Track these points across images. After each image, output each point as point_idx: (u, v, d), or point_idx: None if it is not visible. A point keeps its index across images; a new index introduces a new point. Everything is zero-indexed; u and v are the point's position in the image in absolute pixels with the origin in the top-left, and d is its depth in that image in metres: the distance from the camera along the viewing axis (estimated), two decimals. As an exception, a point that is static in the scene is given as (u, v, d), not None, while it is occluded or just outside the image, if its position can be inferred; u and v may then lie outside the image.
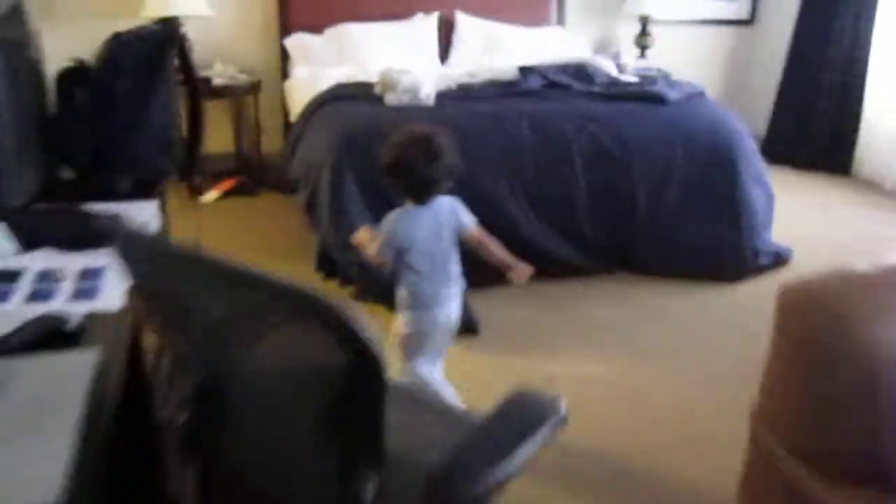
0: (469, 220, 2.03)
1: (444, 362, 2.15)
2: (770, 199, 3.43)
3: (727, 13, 5.48)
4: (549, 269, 3.18)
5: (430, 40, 4.58)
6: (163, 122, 1.88)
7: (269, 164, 4.49)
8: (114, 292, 1.29)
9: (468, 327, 2.76)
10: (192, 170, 2.08)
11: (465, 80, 3.79)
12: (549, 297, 3.11)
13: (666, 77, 4.16)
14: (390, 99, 3.28)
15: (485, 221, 3.06)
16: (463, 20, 4.65)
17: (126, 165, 1.83)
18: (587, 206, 3.18)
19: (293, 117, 3.85)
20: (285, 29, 4.49)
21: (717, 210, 3.26)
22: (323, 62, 4.30)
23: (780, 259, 3.43)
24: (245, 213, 4.07)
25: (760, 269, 3.33)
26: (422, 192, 1.92)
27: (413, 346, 2.02)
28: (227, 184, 4.33)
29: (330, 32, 4.41)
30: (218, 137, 4.71)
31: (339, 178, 2.88)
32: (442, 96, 3.41)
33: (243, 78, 4.37)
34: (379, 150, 2.91)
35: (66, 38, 4.37)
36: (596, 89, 3.58)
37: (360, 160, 2.88)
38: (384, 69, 3.44)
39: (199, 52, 4.36)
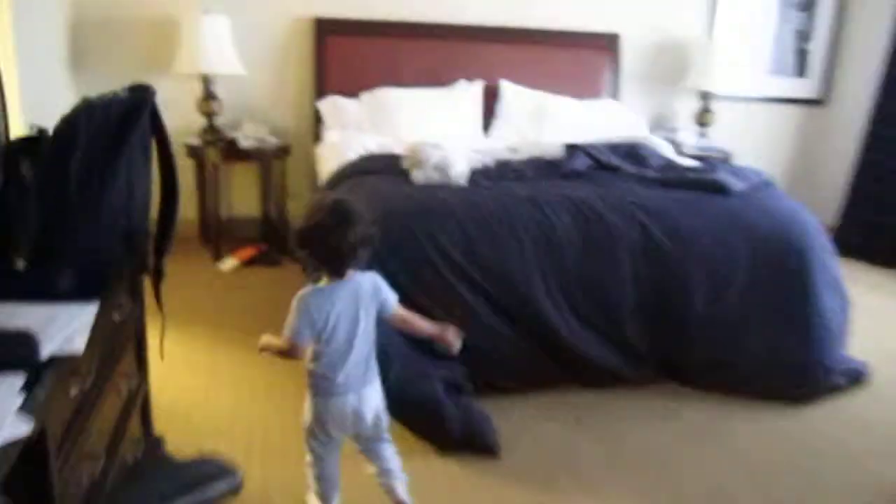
0: (393, 299, 1.88)
1: (406, 477, 1.97)
2: (846, 308, 2.99)
3: (797, 91, 5.08)
4: (584, 376, 2.79)
5: (473, 109, 4.30)
6: (122, 204, 1.59)
7: (294, 232, 4.24)
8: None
9: (486, 446, 2.38)
10: (160, 261, 1.76)
11: (506, 156, 3.48)
12: (583, 408, 2.70)
13: (728, 160, 3.79)
14: (418, 176, 2.97)
15: (514, 317, 2.78)
16: (508, 89, 4.37)
17: (73, 255, 1.54)
18: (633, 307, 2.78)
19: (321, 184, 3.58)
20: (320, 91, 4.26)
21: (784, 319, 2.83)
22: (356, 127, 4.05)
23: (856, 377, 2.96)
24: (264, 284, 3.78)
25: (833, 390, 2.87)
26: (335, 263, 1.75)
27: (314, 435, 1.88)
28: (248, 252, 4.06)
29: (366, 97, 4.17)
30: (243, 201, 4.49)
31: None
32: (477, 174, 3.09)
33: (272, 140, 4.14)
34: (397, 235, 2.66)
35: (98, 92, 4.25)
36: (649, 174, 3.21)
37: (379, 244, 2.56)
38: (413, 143, 3.15)
39: (229, 112, 4.19)
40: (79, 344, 1.30)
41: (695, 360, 2.84)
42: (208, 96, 4.04)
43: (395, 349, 2.43)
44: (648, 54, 4.81)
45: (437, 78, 4.32)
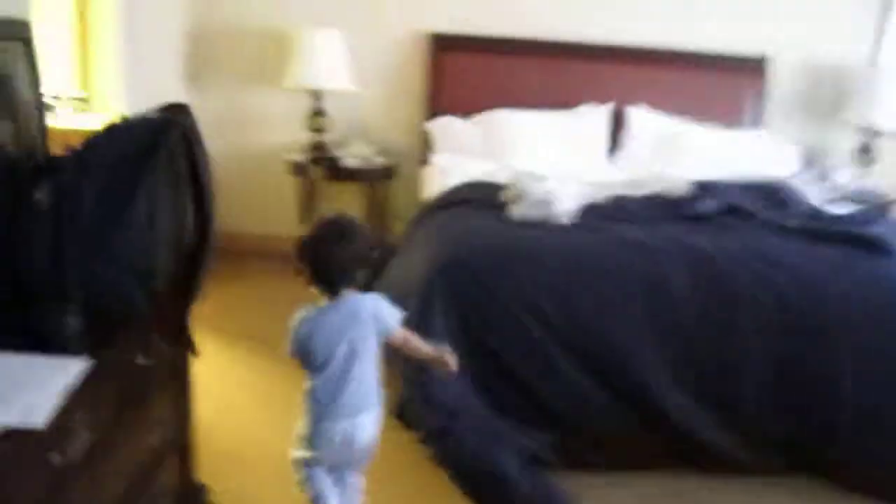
0: (394, 322, 1.78)
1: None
2: None
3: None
4: (693, 459, 2.38)
5: (596, 137, 3.93)
6: (140, 240, 1.39)
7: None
8: None
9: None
10: (187, 304, 1.56)
11: (624, 191, 3.09)
12: (689, 498, 2.29)
13: (891, 210, 3.21)
14: (516, 211, 2.66)
15: (612, 384, 2.33)
16: (637, 115, 3.96)
17: (81, 296, 1.35)
18: (760, 381, 2.34)
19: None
20: (432, 110, 4.04)
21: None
22: (467, 151, 3.79)
23: None
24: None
25: None
26: (329, 279, 1.70)
27: (306, 460, 1.80)
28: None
29: (479, 118, 3.91)
30: (347, 221, 4.33)
31: (426, 317, 2.26)
32: (586, 213, 2.73)
33: (377, 161, 3.95)
34: (477, 280, 2.35)
35: (210, 104, 4.24)
36: (791, 223, 2.72)
37: (458, 295, 2.28)
38: (516, 173, 2.84)
39: (336, 130, 4.05)
40: (39, 416, 1.09)
41: (838, 452, 2.35)
42: (317, 112, 3.92)
43: (466, 409, 2.14)
44: (800, 81, 4.23)
45: (559, 100, 3.98)
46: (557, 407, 2.10)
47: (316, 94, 3.88)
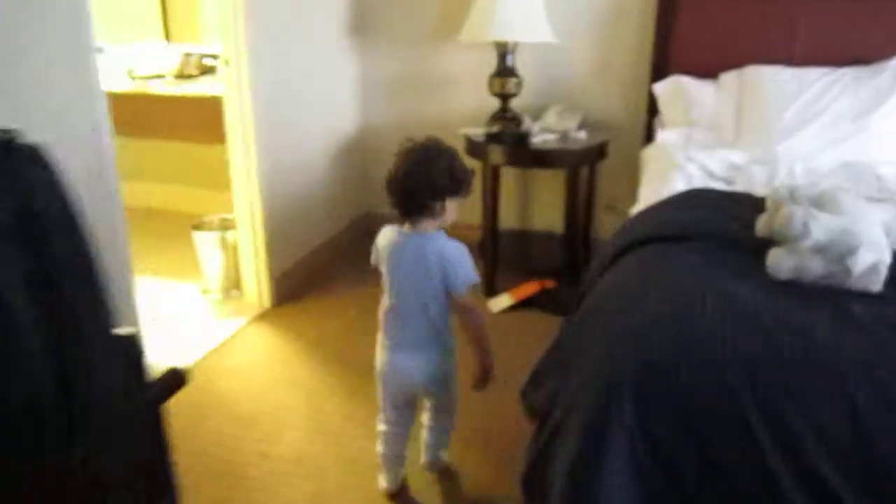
0: (459, 282, 1.65)
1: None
2: None
3: None
4: None
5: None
6: None
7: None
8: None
9: None
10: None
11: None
12: None
13: None
14: (777, 263, 1.52)
15: None
16: None
17: None
18: None
19: (641, 202, 2.32)
20: (661, 68, 2.94)
21: None
22: (710, 126, 2.69)
23: None
24: (526, 335, 2.64)
25: None
26: (399, 204, 1.64)
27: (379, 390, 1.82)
28: (528, 288, 2.96)
29: (729, 78, 2.75)
30: (542, 211, 3.40)
31: (597, 444, 1.26)
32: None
33: (579, 137, 2.94)
34: (711, 408, 1.28)
35: (379, 58, 3.47)
36: None
37: (657, 419, 1.25)
38: (788, 187, 1.68)
39: (530, 94, 3.10)
40: None
41: None
42: (504, 72, 2.98)
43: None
44: None
45: (854, 53, 2.70)
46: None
47: (504, 48, 2.95)
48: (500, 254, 3.11)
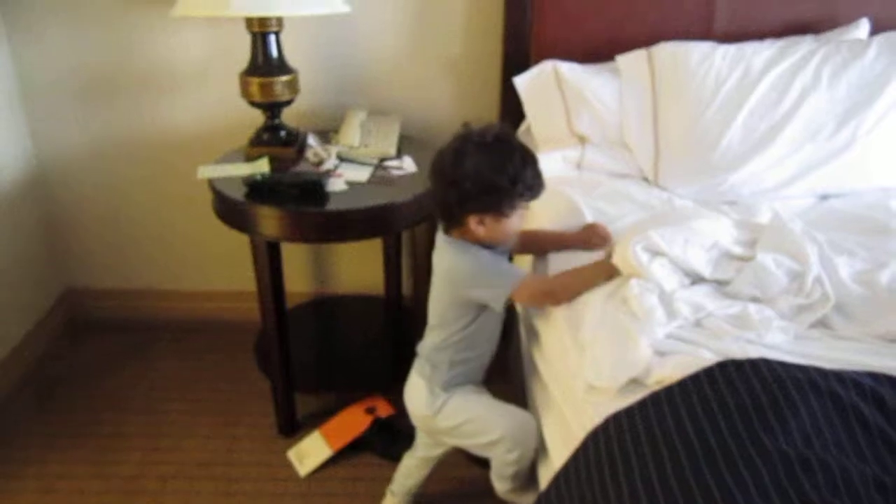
0: (500, 295, 1.25)
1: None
2: None
3: None
4: None
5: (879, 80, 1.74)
6: None
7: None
8: None
9: None
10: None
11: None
12: None
13: None
14: None
15: None
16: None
17: None
18: None
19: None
20: (518, 51, 1.87)
21: None
22: (616, 140, 1.71)
23: None
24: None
25: None
26: (436, 207, 1.29)
27: None
28: (352, 424, 1.81)
29: (631, 62, 1.74)
30: (350, 272, 2.26)
31: None
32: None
33: (405, 171, 1.79)
34: None
35: (49, 48, 2.05)
36: None
37: None
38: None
39: (309, 95, 1.89)
40: None
41: None
42: (264, 67, 1.75)
43: None
44: None
45: (787, 17, 1.82)
46: None
47: (261, 27, 1.71)
48: (295, 349, 1.89)
